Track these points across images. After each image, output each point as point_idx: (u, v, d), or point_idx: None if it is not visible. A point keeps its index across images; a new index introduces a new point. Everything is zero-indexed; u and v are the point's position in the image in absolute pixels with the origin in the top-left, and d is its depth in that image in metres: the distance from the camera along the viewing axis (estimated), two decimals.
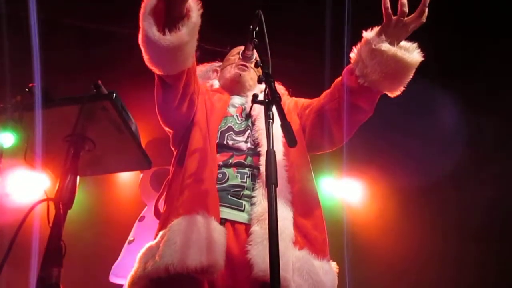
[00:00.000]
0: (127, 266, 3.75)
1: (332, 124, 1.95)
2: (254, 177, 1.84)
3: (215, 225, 1.65)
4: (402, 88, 1.86)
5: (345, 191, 5.17)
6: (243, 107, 2.11)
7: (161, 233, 1.71)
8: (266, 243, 1.49)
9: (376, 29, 1.81)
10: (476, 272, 4.37)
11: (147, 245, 1.74)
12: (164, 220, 1.78)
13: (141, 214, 4.40)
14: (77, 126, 1.40)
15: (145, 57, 1.74)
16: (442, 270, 4.58)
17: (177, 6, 1.67)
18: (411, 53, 1.79)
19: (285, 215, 1.71)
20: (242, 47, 2.31)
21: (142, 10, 1.68)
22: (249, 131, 1.98)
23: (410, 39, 1.82)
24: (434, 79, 4.10)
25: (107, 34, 4.36)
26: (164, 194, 1.95)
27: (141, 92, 4.10)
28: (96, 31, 4.31)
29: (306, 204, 1.83)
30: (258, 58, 1.88)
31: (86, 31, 4.25)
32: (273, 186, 1.35)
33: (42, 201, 1.30)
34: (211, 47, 4.47)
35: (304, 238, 1.73)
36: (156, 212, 2.00)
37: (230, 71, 2.23)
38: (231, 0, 4.02)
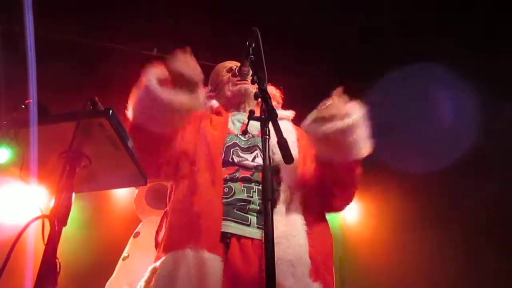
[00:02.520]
0: (121, 282, 3.71)
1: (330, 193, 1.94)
2: (261, 193, 1.82)
3: (207, 257, 1.61)
4: (356, 152, 1.81)
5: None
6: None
7: (153, 266, 1.71)
8: (283, 266, 1.56)
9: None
10: None
11: (143, 279, 1.72)
12: (158, 254, 1.77)
13: (136, 230, 4.37)
14: (73, 142, 1.39)
15: (140, 114, 1.73)
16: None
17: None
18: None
19: (302, 243, 1.70)
20: (227, 64, 2.36)
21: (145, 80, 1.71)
22: (257, 151, 1.96)
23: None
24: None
25: (103, 50, 4.38)
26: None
27: None
28: (92, 47, 4.33)
29: (320, 238, 1.82)
30: (254, 75, 1.89)
31: (82, 47, 4.27)
32: (269, 202, 1.35)
33: (37, 218, 1.29)
34: (207, 63, 4.51)
35: (316, 272, 1.71)
36: (156, 244, 1.99)
37: (230, 89, 2.26)
38: (227, 19, 4.06)
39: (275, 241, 1.59)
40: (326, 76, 4.18)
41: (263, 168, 1.42)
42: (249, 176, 1.88)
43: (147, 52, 4.53)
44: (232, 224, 1.75)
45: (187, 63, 1.71)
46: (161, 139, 1.77)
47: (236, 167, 1.90)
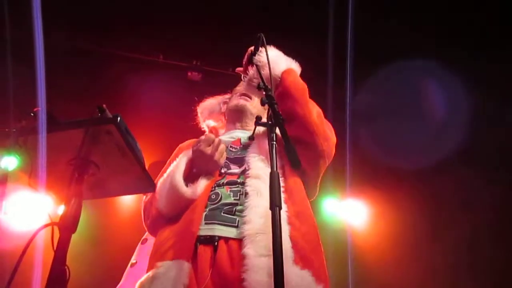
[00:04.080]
0: None
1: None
2: (248, 195, 1.80)
3: (168, 265, 1.67)
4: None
5: (348, 212, 5.15)
6: (241, 139, 2.12)
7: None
8: (262, 270, 1.53)
9: None
10: None
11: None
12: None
13: (143, 237, 4.37)
14: (82, 149, 1.40)
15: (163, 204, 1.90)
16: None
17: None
18: None
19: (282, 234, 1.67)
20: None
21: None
22: (245, 165, 1.95)
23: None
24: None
25: (110, 58, 4.40)
26: None
27: (144, 115, 4.13)
28: (99, 55, 4.35)
29: (303, 227, 1.78)
30: (260, 81, 1.89)
31: (89, 55, 4.30)
32: (277, 208, 1.34)
33: (47, 225, 1.30)
34: (214, 69, 4.53)
35: (302, 260, 1.67)
36: None
37: (233, 101, 2.27)
38: (233, 24, 4.07)
39: (256, 238, 1.62)
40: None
41: (270, 174, 1.42)
42: (235, 179, 1.89)
43: (154, 59, 4.55)
44: (219, 227, 1.75)
45: (212, 145, 1.90)
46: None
47: (223, 175, 1.94)
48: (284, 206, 1.74)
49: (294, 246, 1.67)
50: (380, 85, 4.21)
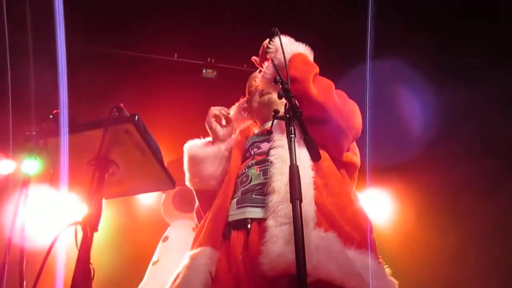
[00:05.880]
0: (152, 287, 3.75)
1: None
2: (272, 163, 1.79)
3: (197, 252, 1.71)
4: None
5: (369, 202, 5.11)
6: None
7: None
8: (281, 239, 1.52)
9: None
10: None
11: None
12: None
13: (164, 235, 4.41)
14: (101, 149, 1.42)
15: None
16: (472, 284, 4.47)
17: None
18: None
19: (305, 194, 1.47)
20: (257, 74, 2.34)
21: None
22: (272, 141, 1.93)
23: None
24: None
25: (128, 58, 4.43)
26: None
27: (161, 113, 4.16)
28: (117, 55, 4.39)
29: (330, 195, 1.73)
30: (276, 75, 1.88)
31: (108, 56, 4.33)
32: (298, 201, 1.34)
33: (70, 225, 1.31)
34: (228, 66, 4.53)
35: (328, 223, 1.61)
36: None
37: (257, 100, 2.27)
38: (247, 20, 4.07)
39: (278, 208, 1.62)
40: None
41: (290, 168, 1.41)
42: (263, 158, 1.89)
43: (168, 58, 4.57)
44: (251, 209, 1.74)
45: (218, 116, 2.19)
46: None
47: (252, 156, 1.97)
48: (311, 172, 1.71)
49: (319, 209, 1.62)
50: (399, 68, 4.13)
